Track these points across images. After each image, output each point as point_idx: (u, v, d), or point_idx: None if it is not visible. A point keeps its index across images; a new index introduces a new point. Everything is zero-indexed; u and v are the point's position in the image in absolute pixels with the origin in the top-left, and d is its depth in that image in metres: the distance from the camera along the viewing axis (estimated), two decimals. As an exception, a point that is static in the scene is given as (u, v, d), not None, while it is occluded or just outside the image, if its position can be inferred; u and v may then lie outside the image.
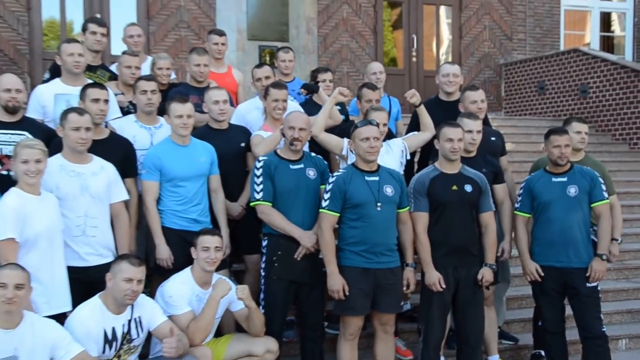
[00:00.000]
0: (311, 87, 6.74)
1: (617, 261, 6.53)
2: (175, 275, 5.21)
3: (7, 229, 4.53)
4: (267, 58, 12.20)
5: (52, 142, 5.09)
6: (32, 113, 5.95)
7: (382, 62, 13.40)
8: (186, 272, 5.18)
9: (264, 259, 5.59)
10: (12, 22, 11.62)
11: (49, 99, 6.01)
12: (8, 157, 5.20)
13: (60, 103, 5.80)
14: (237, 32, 12.37)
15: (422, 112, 6.27)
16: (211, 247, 5.06)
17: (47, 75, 6.98)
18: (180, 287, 5.09)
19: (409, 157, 6.31)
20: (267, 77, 6.67)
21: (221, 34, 7.53)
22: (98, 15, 10.92)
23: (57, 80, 6.21)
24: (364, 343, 5.74)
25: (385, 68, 7.79)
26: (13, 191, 4.68)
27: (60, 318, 4.64)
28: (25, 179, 4.65)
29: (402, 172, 5.86)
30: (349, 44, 13.57)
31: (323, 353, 5.79)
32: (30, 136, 5.15)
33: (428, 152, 6.40)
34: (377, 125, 5.46)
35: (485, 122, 6.54)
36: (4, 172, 5.23)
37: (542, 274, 5.83)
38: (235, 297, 5.19)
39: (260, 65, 7.08)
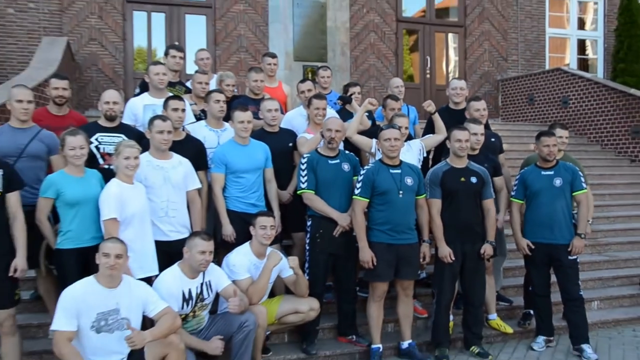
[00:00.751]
0: (346, 99, 6.73)
1: (591, 238, 6.42)
2: (237, 248, 5.23)
3: (110, 210, 4.60)
4: (309, 75, 12.17)
5: (141, 143, 5.10)
6: (126, 120, 5.98)
7: (401, 78, 13.30)
8: (246, 246, 5.20)
9: (308, 236, 5.60)
10: (112, 50, 11.76)
11: (139, 109, 6.06)
12: (109, 154, 5.24)
13: (148, 112, 5.84)
14: (285, 54, 12.35)
15: (437, 118, 6.23)
16: (267, 226, 5.07)
17: (137, 90, 7.04)
18: (241, 258, 5.11)
19: (425, 155, 6.29)
20: (309, 90, 6.65)
21: (273, 56, 7.53)
22: (176, 43, 10.99)
23: (145, 94, 6.25)
24: (388, 304, 5.70)
25: (404, 83, 7.73)
26: (114, 181, 4.74)
27: (148, 281, 4.69)
28: (125, 171, 4.72)
29: (419, 167, 5.83)
30: (375, 64, 13.48)
31: (355, 312, 5.81)
32: (126, 138, 5.18)
33: (440, 151, 6.36)
34: (399, 128, 5.48)
35: (487, 126, 6.50)
36: (106, 166, 5.27)
37: (532, 247, 5.82)
38: (285, 266, 5.21)
39: (303, 80, 7.05)
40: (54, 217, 4.88)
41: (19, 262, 4.48)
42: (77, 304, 4.09)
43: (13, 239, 4.53)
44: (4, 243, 4.49)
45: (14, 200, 4.54)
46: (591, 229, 6.45)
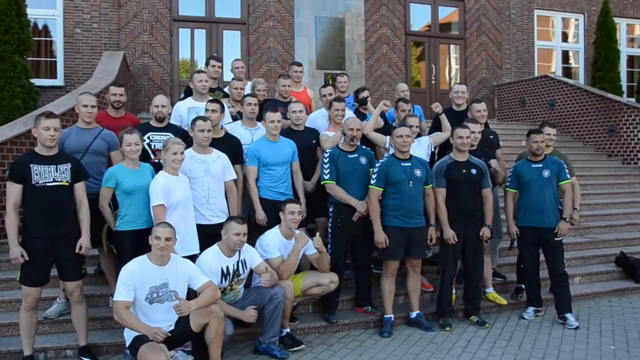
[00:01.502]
0: (362, 101, 6.69)
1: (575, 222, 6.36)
2: (268, 231, 5.20)
3: (159, 197, 4.60)
4: (330, 81, 12.06)
5: (186, 140, 5.08)
6: (173, 121, 5.97)
7: (410, 84, 13.32)
8: (276, 229, 5.17)
9: (330, 220, 5.57)
10: (160, 62, 11.79)
11: (184, 111, 6.04)
12: (159, 150, 5.23)
13: (191, 113, 5.82)
14: (309, 64, 12.29)
15: (444, 118, 6.21)
16: (295, 212, 5.04)
17: (182, 95, 7.01)
18: (272, 239, 5.09)
19: (433, 150, 6.24)
20: (330, 94, 6.59)
21: (299, 64, 7.45)
22: (215, 54, 10.97)
23: (189, 98, 6.23)
24: (399, 279, 5.64)
25: (412, 88, 7.67)
26: (161, 173, 4.75)
27: (191, 259, 4.67)
28: (172, 164, 4.71)
29: (428, 160, 5.78)
30: (387, 71, 13.34)
31: (370, 286, 5.80)
32: (173, 136, 5.14)
33: (445, 146, 6.28)
34: (410, 127, 5.45)
35: (486, 125, 6.42)
36: (156, 161, 5.26)
37: (519, 234, 5.80)
38: (309, 245, 5.19)
39: (325, 85, 6.98)
40: (114, 204, 4.90)
41: (84, 241, 4.52)
42: (133, 279, 4.14)
43: (79, 222, 4.56)
44: (73, 226, 4.51)
45: (80, 189, 4.57)
46: (579, 215, 6.40)
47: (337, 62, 12.73)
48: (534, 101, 13.36)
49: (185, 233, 4.76)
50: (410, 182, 5.23)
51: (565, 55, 15.60)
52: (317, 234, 5.23)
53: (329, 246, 5.51)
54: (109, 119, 5.63)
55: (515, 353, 4.96)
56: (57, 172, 4.41)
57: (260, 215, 5.44)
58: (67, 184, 4.46)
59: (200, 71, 6.35)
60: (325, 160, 5.46)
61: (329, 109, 6.07)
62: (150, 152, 5.38)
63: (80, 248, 4.49)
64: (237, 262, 4.76)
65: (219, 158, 5.19)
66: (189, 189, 4.89)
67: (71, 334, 4.95)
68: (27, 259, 4.30)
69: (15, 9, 9.12)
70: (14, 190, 4.30)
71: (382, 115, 6.58)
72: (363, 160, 5.52)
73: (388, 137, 5.71)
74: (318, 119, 6.43)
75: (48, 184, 4.36)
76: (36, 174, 4.33)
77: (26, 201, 4.35)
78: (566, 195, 5.73)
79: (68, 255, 4.46)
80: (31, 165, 4.33)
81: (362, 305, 5.77)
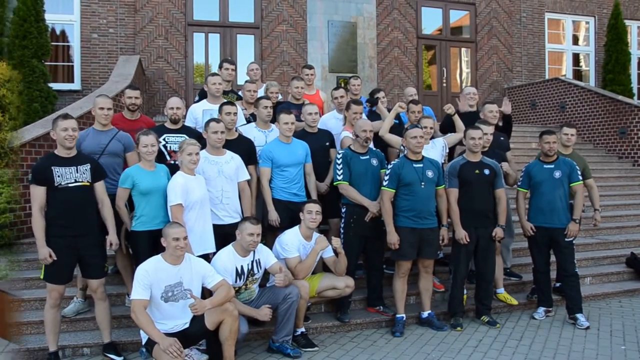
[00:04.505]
0: (372, 102, 6.68)
1: (586, 224, 6.30)
2: (288, 230, 5.21)
3: (177, 197, 4.62)
4: (342, 84, 12.08)
5: (200, 142, 5.07)
6: (188, 122, 6.00)
7: (421, 87, 13.32)
8: (296, 229, 5.18)
9: (343, 221, 5.56)
10: (175, 66, 11.88)
11: (199, 113, 6.07)
12: (175, 152, 5.27)
13: (206, 115, 5.83)
14: (321, 67, 12.30)
15: (457, 119, 6.21)
16: (313, 211, 5.07)
17: (197, 98, 7.04)
18: (292, 238, 5.11)
19: (447, 151, 6.22)
20: (342, 97, 6.59)
21: (310, 67, 7.46)
22: (229, 57, 11.01)
23: (204, 101, 6.26)
24: (411, 279, 5.61)
25: (424, 91, 7.64)
26: (179, 173, 4.76)
27: (206, 257, 4.70)
28: (189, 165, 4.73)
29: (442, 162, 5.79)
30: (398, 74, 13.34)
31: (382, 286, 5.79)
32: (188, 138, 5.16)
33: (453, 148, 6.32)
34: (424, 128, 5.46)
35: (496, 127, 6.39)
36: (172, 162, 5.29)
37: (534, 230, 5.74)
38: (327, 248, 5.20)
39: (337, 88, 6.99)
40: (130, 205, 4.93)
41: (112, 238, 4.61)
42: (149, 278, 4.15)
43: (103, 220, 4.63)
44: (94, 225, 4.56)
45: (100, 188, 4.62)
46: (600, 216, 6.33)
47: (349, 66, 12.72)
48: (544, 104, 13.30)
49: (202, 232, 4.78)
50: (423, 183, 5.21)
51: (575, 58, 15.53)
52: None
53: (342, 246, 5.46)
54: (124, 122, 5.66)
55: (526, 353, 4.93)
56: (77, 172, 4.45)
57: (273, 215, 5.44)
58: (88, 184, 4.51)
59: (214, 74, 6.37)
60: (339, 162, 5.45)
61: (346, 110, 6.06)
62: (166, 153, 5.40)
63: (111, 245, 4.57)
64: (252, 262, 4.77)
65: (232, 159, 5.20)
66: (206, 189, 4.90)
67: (88, 333, 4.99)
68: (55, 259, 4.35)
69: (34, 15, 9.21)
70: (38, 193, 4.35)
71: (397, 117, 6.59)
72: (374, 161, 5.52)
73: (402, 138, 5.68)
74: (330, 121, 6.44)
75: (70, 185, 4.41)
76: (58, 176, 4.38)
77: (49, 202, 4.40)
78: (577, 196, 5.69)
79: (91, 254, 4.51)
80: (53, 167, 4.38)
81: (374, 305, 5.75)
